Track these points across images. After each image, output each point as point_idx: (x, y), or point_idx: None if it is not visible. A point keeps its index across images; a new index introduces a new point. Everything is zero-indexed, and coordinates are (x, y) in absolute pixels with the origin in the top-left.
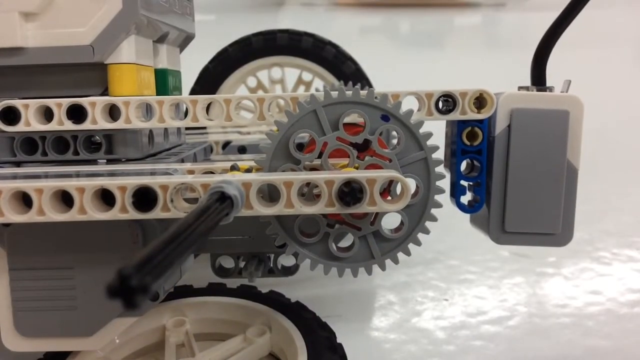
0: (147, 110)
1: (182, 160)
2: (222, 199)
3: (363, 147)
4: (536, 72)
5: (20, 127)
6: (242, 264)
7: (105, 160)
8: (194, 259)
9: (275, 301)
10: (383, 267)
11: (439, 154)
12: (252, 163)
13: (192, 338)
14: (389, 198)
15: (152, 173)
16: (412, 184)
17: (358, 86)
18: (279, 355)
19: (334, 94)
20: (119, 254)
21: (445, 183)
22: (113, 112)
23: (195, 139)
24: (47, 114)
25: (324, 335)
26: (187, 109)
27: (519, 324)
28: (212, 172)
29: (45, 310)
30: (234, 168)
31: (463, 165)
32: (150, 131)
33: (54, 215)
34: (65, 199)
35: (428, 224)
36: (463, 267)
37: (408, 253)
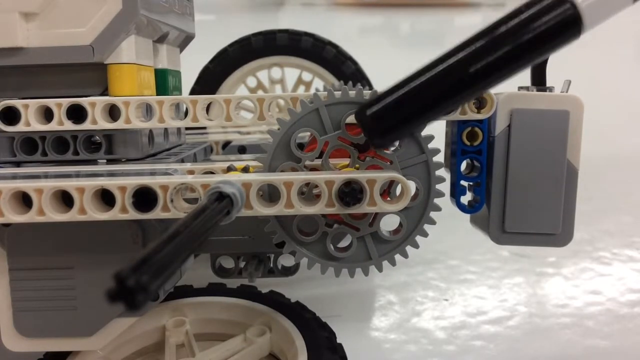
0: (147, 110)
1: (182, 160)
2: (220, 199)
3: (364, 148)
4: (536, 72)
5: (20, 127)
6: (242, 264)
7: (105, 160)
8: (194, 259)
9: (276, 301)
10: (380, 269)
11: (439, 156)
12: (250, 162)
13: (192, 338)
14: (388, 199)
15: (152, 173)
16: (412, 185)
17: (359, 86)
18: (279, 355)
19: (337, 93)
20: (119, 254)
21: (445, 184)
22: (113, 112)
23: (195, 139)
24: (47, 114)
25: (324, 335)
26: (187, 109)
27: (519, 324)
28: (212, 172)
29: (46, 310)
30: (230, 169)
31: (463, 166)
32: (150, 131)
33: (54, 215)
34: (65, 199)
35: (426, 227)
36: (463, 267)
37: (405, 255)
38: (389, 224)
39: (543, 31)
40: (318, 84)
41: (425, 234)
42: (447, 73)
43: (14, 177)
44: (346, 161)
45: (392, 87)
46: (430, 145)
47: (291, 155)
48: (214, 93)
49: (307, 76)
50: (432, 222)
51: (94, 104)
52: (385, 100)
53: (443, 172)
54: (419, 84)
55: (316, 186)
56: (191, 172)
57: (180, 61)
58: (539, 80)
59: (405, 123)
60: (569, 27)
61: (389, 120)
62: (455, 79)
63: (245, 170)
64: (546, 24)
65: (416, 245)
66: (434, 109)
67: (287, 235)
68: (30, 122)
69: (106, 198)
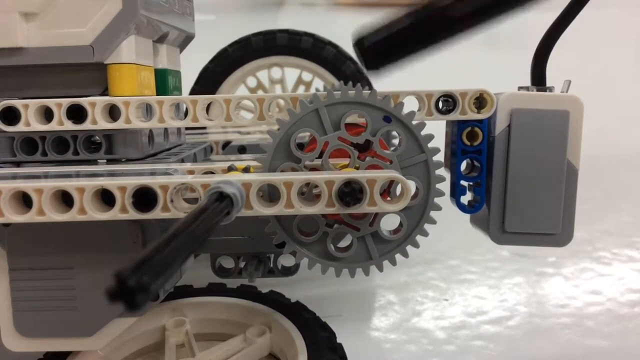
0: (147, 110)
1: (182, 160)
2: (220, 199)
3: (364, 148)
4: (536, 72)
5: (20, 127)
6: (242, 264)
7: (105, 160)
8: (194, 259)
9: (276, 301)
10: (380, 269)
11: (439, 156)
12: (250, 162)
13: (192, 338)
14: (388, 199)
15: (152, 173)
16: (412, 185)
17: (358, 85)
18: (279, 355)
19: (337, 93)
20: (119, 254)
21: (445, 184)
22: (113, 112)
23: (195, 139)
24: (47, 114)
25: (324, 335)
26: (187, 109)
27: (519, 324)
28: (212, 172)
29: (45, 311)
30: (231, 169)
31: (463, 165)
32: (150, 131)
33: (54, 215)
34: (65, 199)
35: (426, 226)
36: (463, 267)
37: (406, 255)
38: (389, 223)
39: None
40: (318, 84)
41: (425, 234)
42: (439, 12)
43: (14, 177)
44: (346, 161)
45: (389, 20)
46: (430, 145)
47: (291, 156)
48: (214, 93)
49: (307, 76)
50: (433, 222)
51: (94, 104)
52: (383, 32)
53: (443, 171)
54: (415, 19)
55: (316, 186)
56: (191, 172)
57: (180, 61)
58: (539, 80)
59: (400, 53)
60: None
61: (384, 49)
62: (447, 18)
63: (247, 170)
64: None
65: (416, 245)
66: (427, 42)
67: (287, 236)
68: (30, 122)
69: (106, 198)
